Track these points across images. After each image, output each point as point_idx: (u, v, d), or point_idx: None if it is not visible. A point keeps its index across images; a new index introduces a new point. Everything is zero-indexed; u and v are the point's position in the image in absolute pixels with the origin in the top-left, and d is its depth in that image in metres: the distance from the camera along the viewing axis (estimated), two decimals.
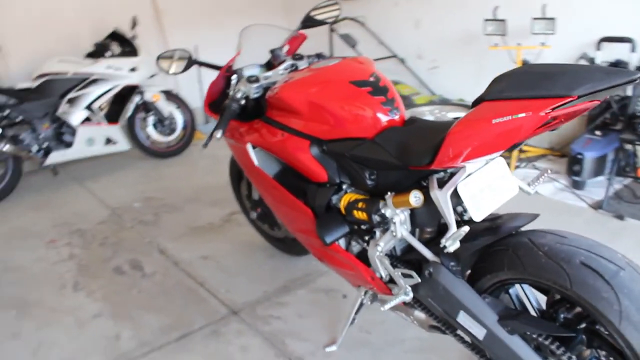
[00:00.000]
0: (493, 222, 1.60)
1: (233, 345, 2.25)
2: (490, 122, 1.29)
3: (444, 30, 4.64)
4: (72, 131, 4.40)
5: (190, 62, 2.25)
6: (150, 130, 4.82)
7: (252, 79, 2.14)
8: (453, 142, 1.38)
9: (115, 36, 4.69)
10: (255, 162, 2.22)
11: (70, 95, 4.37)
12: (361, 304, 2.07)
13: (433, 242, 1.64)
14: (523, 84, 1.27)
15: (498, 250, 1.52)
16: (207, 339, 2.31)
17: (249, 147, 2.23)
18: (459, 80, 4.65)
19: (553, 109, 1.18)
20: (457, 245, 1.47)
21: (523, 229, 1.52)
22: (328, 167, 1.94)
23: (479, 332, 1.51)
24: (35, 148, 4.29)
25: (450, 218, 1.50)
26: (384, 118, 1.77)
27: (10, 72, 4.70)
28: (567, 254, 1.35)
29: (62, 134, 4.41)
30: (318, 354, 2.13)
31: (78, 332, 2.46)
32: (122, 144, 4.68)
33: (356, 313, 2.10)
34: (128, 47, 4.65)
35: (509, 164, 3.76)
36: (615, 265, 1.29)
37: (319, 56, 2.34)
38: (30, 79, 4.36)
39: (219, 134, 2.01)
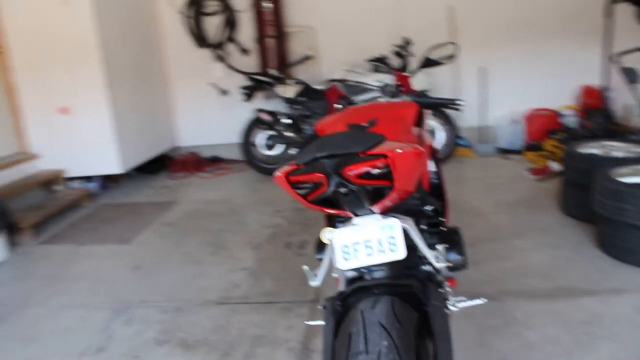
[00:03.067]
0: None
1: (286, 320, 2.69)
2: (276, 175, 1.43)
3: None
4: None
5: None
6: None
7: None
8: None
9: (398, 53, 5.37)
10: None
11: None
12: None
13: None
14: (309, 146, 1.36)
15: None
16: (278, 310, 2.80)
17: None
18: None
19: (288, 174, 1.28)
20: (317, 283, 1.63)
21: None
22: None
23: None
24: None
25: (327, 258, 1.63)
26: None
27: (321, 74, 5.92)
28: None
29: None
30: None
31: (225, 274, 3.29)
32: None
33: None
34: (403, 63, 5.24)
35: None
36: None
37: (419, 95, 2.47)
38: (321, 82, 5.47)
39: None
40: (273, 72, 5.61)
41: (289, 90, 5.36)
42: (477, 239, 3.50)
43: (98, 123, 4.83)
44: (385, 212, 1.62)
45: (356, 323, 1.34)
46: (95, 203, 4.99)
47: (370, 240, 1.55)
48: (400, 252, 1.54)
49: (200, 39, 5.99)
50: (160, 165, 6.03)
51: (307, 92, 5.43)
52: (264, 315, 2.78)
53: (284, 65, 5.85)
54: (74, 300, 3.11)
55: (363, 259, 1.55)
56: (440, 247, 2.02)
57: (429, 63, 2.66)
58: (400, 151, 1.33)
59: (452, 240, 2.03)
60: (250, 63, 5.98)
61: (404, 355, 1.26)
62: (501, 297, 2.74)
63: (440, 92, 5.72)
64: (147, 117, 5.63)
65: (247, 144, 5.58)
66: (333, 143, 1.29)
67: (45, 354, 2.60)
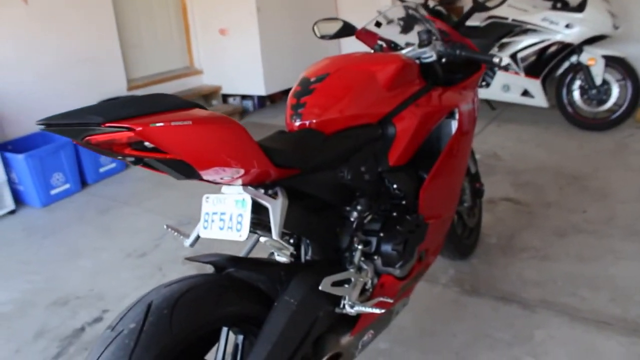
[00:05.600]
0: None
1: None
2: None
3: None
4: (493, 74, 4.68)
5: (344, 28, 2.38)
6: (575, 95, 4.46)
7: None
8: None
9: None
10: None
11: (504, 40, 4.59)
12: None
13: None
14: None
15: None
16: None
17: None
18: None
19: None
20: (188, 244, 1.58)
21: None
22: None
23: None
24: None
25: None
26: (289, 119, 1.70)
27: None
28: None
29: (485, 74, 4.76)
30: None
31: None
32: (539, 100, 4.57)
33: None
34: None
35: None
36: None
37: (457, 47, 2.07)
38: (481, 19, 4.81)
39: None
40: (433, 4, 5.12)
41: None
42: (574, 228, 2.88)
43: (247, 46, 5.12)
44: (272, 186, 1.46)
45: (144, 296, 1.27)
46: (243, 120, 5.40)
47: (224, 214, 1.43)
48: (243, 234, 1.38)
49: None
50: None
51: (467, 28, 4.86)
52: None
53: None
54: (159, 207, 3.53)
55: (216, 232, 1.44)
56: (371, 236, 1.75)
57: (478, 8, 2.20)
58: (160, 125, 1.11)
59: (391, 229, 1.72)
60: None
61: (144, 345, 1.14)
62: (537, 308, 2.25)
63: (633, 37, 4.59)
64: (304, 44, 5.72)
65: None
66: (87, 109, 1.16)
67: (106, 246, 3.06)
